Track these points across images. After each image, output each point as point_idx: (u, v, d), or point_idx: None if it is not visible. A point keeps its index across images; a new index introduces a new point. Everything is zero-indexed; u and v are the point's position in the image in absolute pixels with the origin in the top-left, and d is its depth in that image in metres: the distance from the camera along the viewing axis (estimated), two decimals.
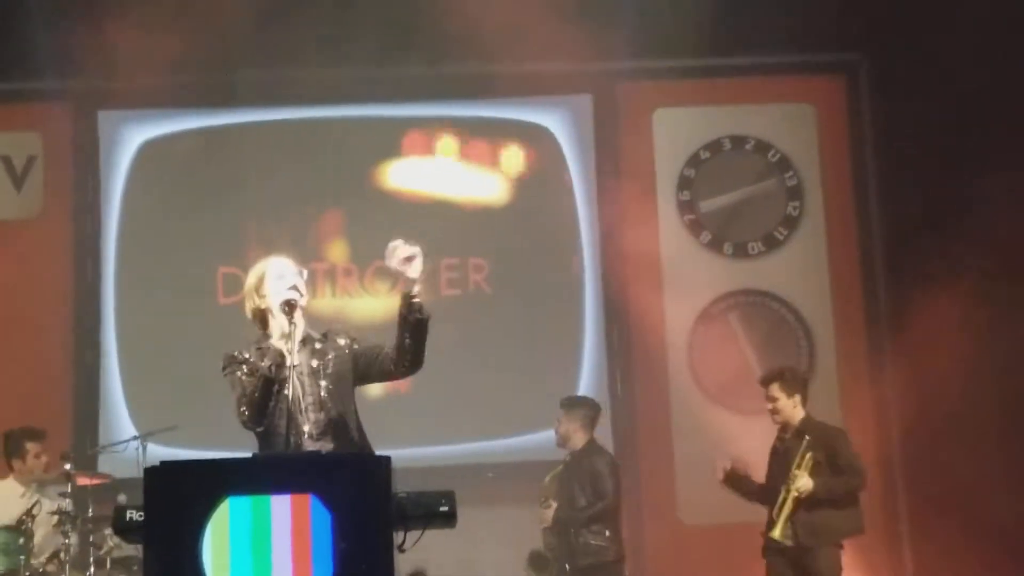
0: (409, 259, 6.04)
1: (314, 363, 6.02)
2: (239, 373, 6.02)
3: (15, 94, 10.94)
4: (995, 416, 10.14)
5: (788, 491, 8.14)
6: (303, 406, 5.95)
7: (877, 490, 10.26)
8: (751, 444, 9.57)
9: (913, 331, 10.27)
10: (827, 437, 8.36)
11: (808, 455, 8.18)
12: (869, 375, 10.74)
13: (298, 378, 5.93)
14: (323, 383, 6.03)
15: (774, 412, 8.42)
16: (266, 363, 5.92)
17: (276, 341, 5.98)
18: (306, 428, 5.94)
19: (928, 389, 9.97)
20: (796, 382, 8.54)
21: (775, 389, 8.43)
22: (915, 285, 10.40)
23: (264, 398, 5.96)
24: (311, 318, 6.14)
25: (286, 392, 5.93)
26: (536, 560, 9.38)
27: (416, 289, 6.06)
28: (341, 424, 6.04)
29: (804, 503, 8.14)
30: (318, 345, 6.08)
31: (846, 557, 8.31)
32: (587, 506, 9.19)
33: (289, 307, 5.93)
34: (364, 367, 6.13)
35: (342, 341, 6.13)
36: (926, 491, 10.26)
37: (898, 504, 10.55)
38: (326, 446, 5.95)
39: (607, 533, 9.25)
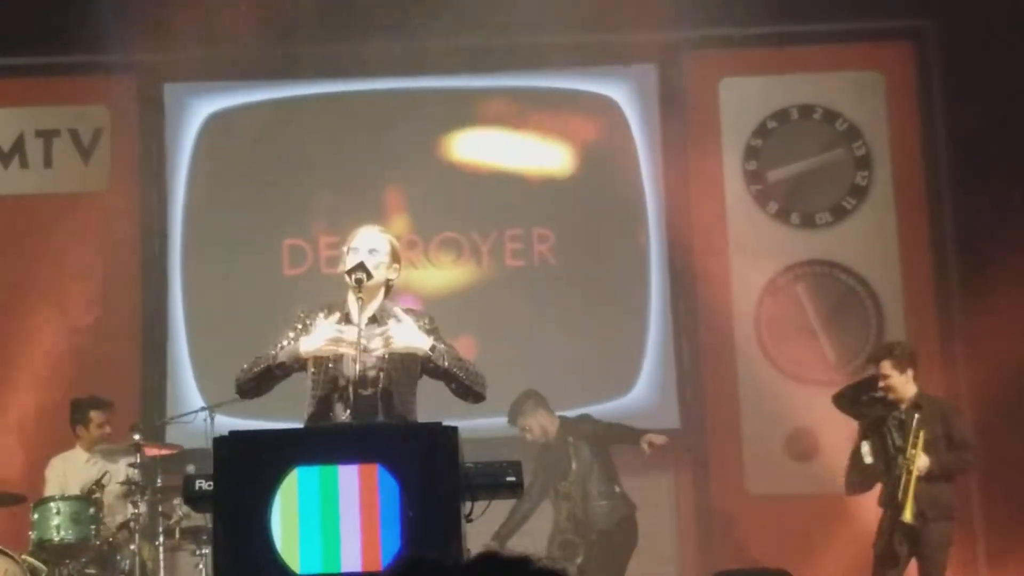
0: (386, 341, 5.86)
1: (381, 345, 5.94)
2: (290, 333, 6.03)
3: (82, 67, 11.00)
4: None
5: (910, 472, 8.06)
6: (354, 386, 5.88)
7: None
8: (818, 415, 9.54)
9: (984, 304, 10.16)
10: (942, 412, 8.31)
11: (921, 432, 8.11)
12: (939, 348, 10.61)
13: (361, 356, 5.86)
14: (386, 367, 5.96)
15: (887, 389, 8.31)
16: (281, 357, 5.92)
17: (351, 307, 5.96)
18: (350, 411, 5.87)
19: (1000, 364, 9.87)
20: (906, 357, 8.43)
21: (887, 366, 8.33)
22: (986, 256, 10.29)
23: (256, 382, 6.01)
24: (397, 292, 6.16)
25: (339, 369, 5.89)
26: (566, 548, 9.39)
27: (421, 348, 5.93)
28: (400, 406, 5.98)
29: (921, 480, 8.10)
30: (388, 326, 5.99)
31: None
32: (601, 474, 9.35)
33: (356, 282, 5.90)
34: (431, 375, 6.08)
35: (427, 324, 6.06)
36: (998, 467, 10.14)
37: (968, 480, 10.42)
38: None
39: (616, 489, 9.33)
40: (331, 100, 11.15)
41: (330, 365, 5.92)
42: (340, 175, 10.88)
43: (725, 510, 10.44)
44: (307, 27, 10.58)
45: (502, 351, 10.49)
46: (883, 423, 8.30)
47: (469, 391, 6.06)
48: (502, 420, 9.64)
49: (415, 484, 5.26)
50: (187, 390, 10.55)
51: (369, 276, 5.90)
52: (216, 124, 11.07)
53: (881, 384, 8.34)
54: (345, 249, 6.11)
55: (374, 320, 5.99)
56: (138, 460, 8.81)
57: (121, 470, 8.93)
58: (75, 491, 8.91)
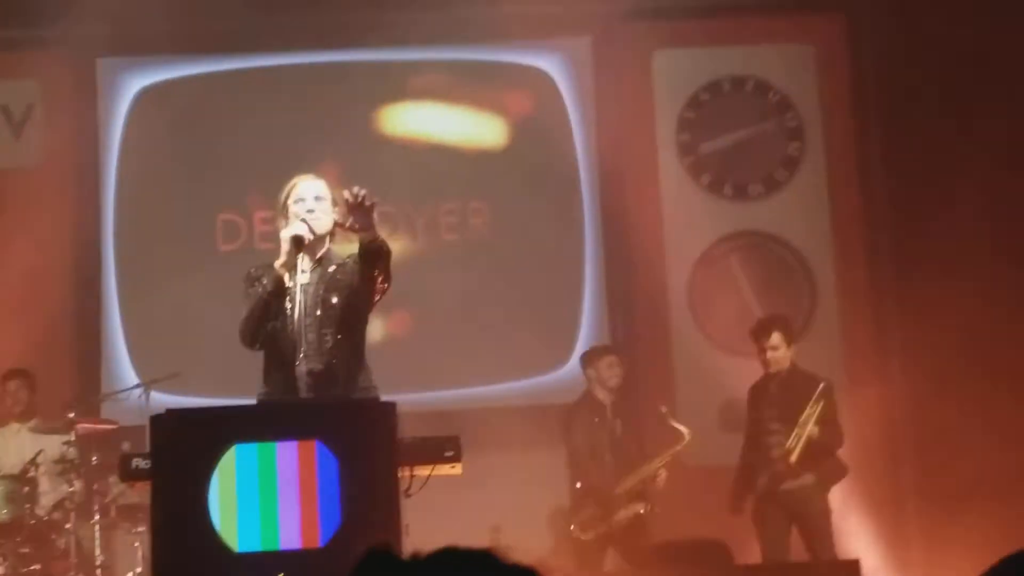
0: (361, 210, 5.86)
1: (322, 287, 6.01)
2: (250, 291, 6.03)
3: (12, 42, 10.87)
4: (1002, 360, 10.11)
5: (803, 430, 8.26)
6: (304, 327, 5.92)
7: (880, 435, 10.27)
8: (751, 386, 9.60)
9: (916, 273, 10.26)
10: (813, 389, 8.51)
11: (821, 403, 8.32)
12: (872, 316, 10.74)
13: (303, 297, 5.92)
14: (327, 306, 6.00)
15: (773, 360, 8.56)
16: (264, 285, 5.94)
17: (279, 266, 5.96)
18: (302, 351, 5.92)
19: (933, 332, 9.95)
20: (791, 330, 8.75)
21: (778, 337, 8.56)
22: (918, 224, 10.40)
23: (257, 320, 5.96)
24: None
25: (288, 314, 5.91)
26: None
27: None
28: (343, 348, 6.01)
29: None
30: (331, 269, 6.07)
31: (851, 514, 8.47)
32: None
33: (296, 243, 5.93)
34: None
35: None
36: (930, 438, 10.26)
37: (901, 450, 10.54)
38: (317, 367, 5.93)
39: None
40: (264, 74, 11.10)
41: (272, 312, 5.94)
42: (274, 150, 10.79)
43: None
44: (241, 1, 10.52)
45: (437, 325, 10.53)
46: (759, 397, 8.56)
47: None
48: (440, 394, 9.69)
49: (354, 460, 5.28)
50: (122, 367, 10.49)
51: (312, 232, 5.96)
52: (149, 98, 10.99)
53: (768, 355, 8.62)
54: (285, 201, 6.10)
55: (319, 262, 6.05)
56: (73, 438, 8.76)
57: (56, 448, 8.89)
58: (11, 465, 8.87)
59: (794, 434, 8.35)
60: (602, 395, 9.44)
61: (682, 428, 9.33)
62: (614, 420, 9.44)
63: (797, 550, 8.83)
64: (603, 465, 9.29)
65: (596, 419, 9.36)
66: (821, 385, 8.46)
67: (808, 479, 8.45)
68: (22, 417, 9.45)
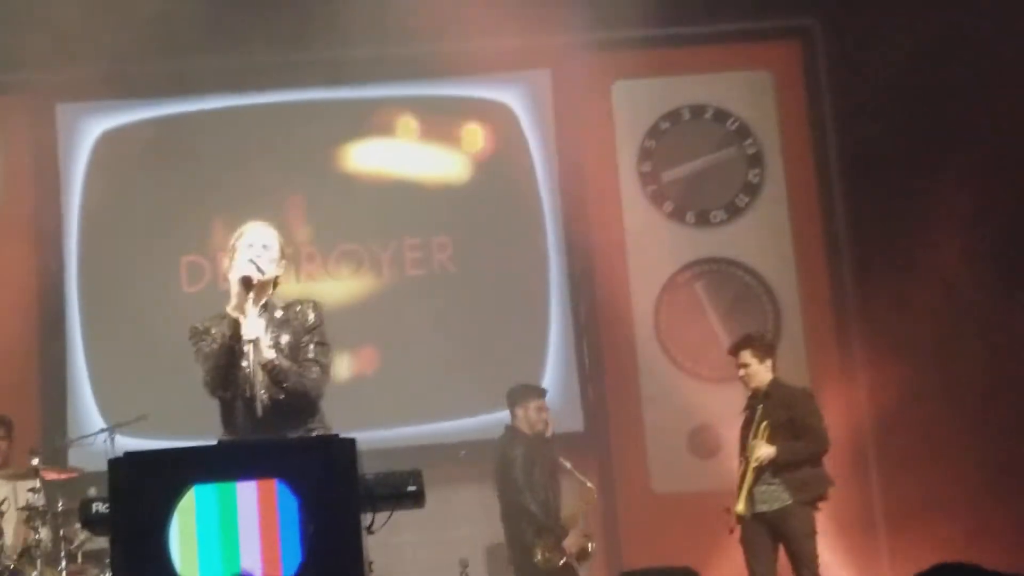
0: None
1: (270, 333, 6.00)
2: (201, 344, 6.01)
3: None
4: (965, 373, 10.17)
5: (748, 462, 8.21)
6: (258, 375, 5.92)
7: (847, 453, 10.30)
8: (719, 411, 9.64)
9: (879, 292, 10.32)
10: (789, 400, 8.41)
11: (764, 423, 8.25)
12: (836, 338, 10.78)
13: (255, 346, 5.91)
14: (278, 349, 6.00)
15: (747, 378, 8.50)
16: (222, 332, 5.92)
17: (231, 309, 5.95)
18: (262, 396, 5.91)
19: (896, 351, 10.00)
20: (765, 346, 8.67)
21: (747, 355, 8.53)
22: (877, 246, 10.47)
23: (224, 368, 5.94)
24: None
25: (243, 362, 5.90)
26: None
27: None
28: (296, 395, 6.01)
29: (767, 470, 8.19)
30: (279, 314, 6.06)
31: (823, 532, 8.39)
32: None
33: (245, 284, 5.91)
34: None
35: (311, 317, 6.11)
36: (897, 453, 10.30)
37: (869, 464, 10.58)
38: (277, 419, 5.95)
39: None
40: (225, 114, 11.11)
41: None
42: (237, 190, 10.79)
43: (631, 510, 10.52)
44: (199, 42, 10.51)
45: (405, 360, 10.52)
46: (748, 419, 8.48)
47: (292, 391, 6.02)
48: (408, 429, 9.67)
49: (314, 498, 5.25)
50: (88, 411, 10.45)
51: (261, 271, 5.94)
52: (110, 142, 10.99)
53: (741, 373, 8.53)
54: (233, 245, 6.10)
55: (264, 308, 6.05)
56: (38, 484, 8.70)
57: (21, 494, 8.82)
58: None
59: (741, 471, 8.25)
60: (527, 430, 9.44)
61: (589, 484, 9.38)
62: (542, 457, 9.45)
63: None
64: (545, 496, 9.29)
65: (529, 452, 9.36)
66: (759, 407, 8.35)
67: (785, 497, 8.30)
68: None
